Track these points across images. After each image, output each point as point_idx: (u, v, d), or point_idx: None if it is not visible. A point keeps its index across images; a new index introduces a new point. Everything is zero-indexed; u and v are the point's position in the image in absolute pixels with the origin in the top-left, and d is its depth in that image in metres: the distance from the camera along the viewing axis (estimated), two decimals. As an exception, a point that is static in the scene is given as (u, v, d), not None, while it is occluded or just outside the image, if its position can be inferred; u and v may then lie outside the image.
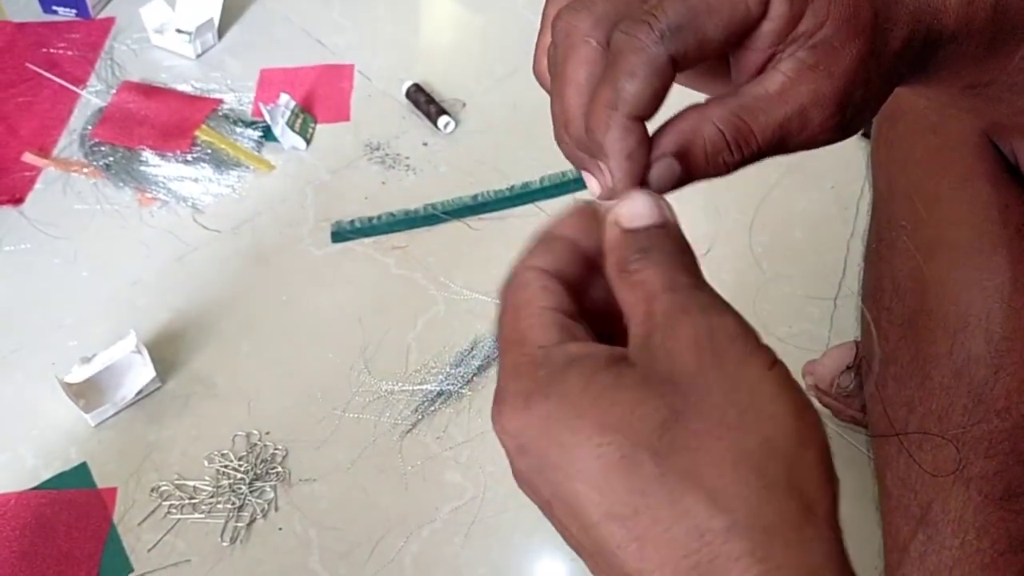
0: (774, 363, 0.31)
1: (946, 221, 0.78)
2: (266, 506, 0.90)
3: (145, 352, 0.95)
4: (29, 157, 1.19)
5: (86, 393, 0.95)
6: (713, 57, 0.37)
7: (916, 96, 0.49)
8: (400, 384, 0.99)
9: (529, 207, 1.16)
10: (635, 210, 0.36)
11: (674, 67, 0.35)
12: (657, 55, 0.34)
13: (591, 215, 0.38)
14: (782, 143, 0.37)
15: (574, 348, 0.33)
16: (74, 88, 1.27)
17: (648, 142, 0.36)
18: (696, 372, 0.31)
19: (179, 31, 1.32)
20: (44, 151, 1.20)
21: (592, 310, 0.38)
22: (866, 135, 1.20)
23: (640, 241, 0.35)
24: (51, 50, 1.34)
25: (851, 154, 1.19)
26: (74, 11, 1.38)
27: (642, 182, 0.36)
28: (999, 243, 0.74)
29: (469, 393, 0.99)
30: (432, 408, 0.98)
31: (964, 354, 0.74)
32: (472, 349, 1.02)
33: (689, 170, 0.36)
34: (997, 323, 0.73)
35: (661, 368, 0.31)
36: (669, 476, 0.29)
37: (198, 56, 1.33)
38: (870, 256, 0.86)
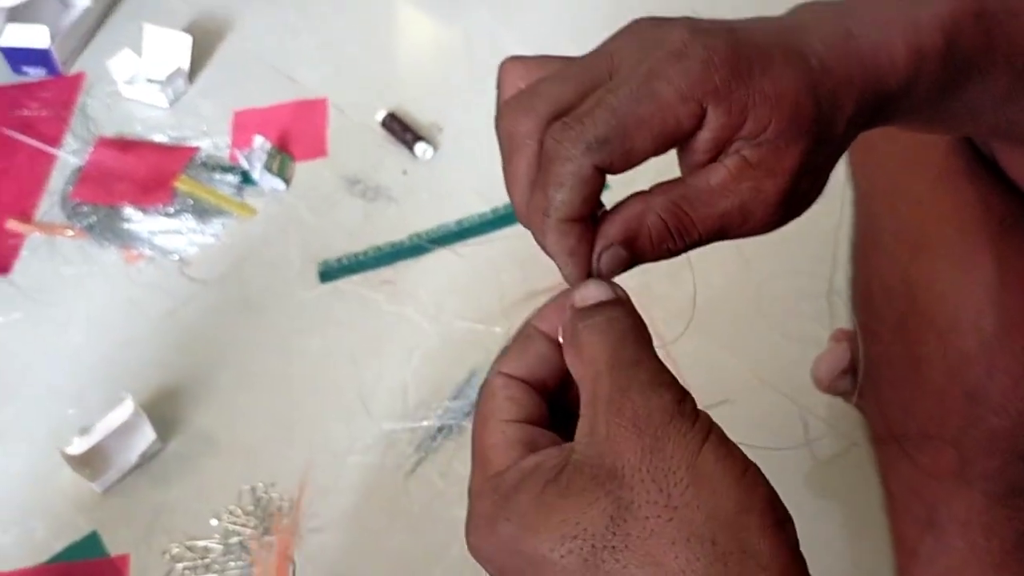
0: (709, 431, 0.33)
1: (928, 220, 0.77)
2: (277, 560, 0.90)
3: (143, 415, 0.96)
4: (12, 224, 1.19)
5: (90, 462, 0.95)
6: (643, 161, 0.37)
7: None
8: (400, 423, 0.99)
9: (514, 228, 1.16)
10: (587, 293, 0.38)
11: (602, 174, 0.36)
12: (582, 166, 0.35)
13: (562, 307, 0.39)
14: (723, 233, 0.38)
15: (528, 463, 0.35)
16: (50, 149, 1.27)
17: (589, 235, 0.37)
18: (638, 460, 0.32)
19: (150, 80, 1.31)
20: (26, 216, 1.20)
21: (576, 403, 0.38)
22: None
23: (588, 312, 0.37)
24: (25, 112, 1.33)
25: (831, 144, 1.18)
26: (44, 70, 1.38)
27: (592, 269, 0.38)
28: (983, 239, 0.74)
29: (469, 426, 0.98)
30: (434, 444, 0.98)
31: (956, 354, 0.73)
32: (470, 380, 1.02)
33: (636, 256, 0.38)
34: (987, 321, 0.72)
35: (607, 462, 0.32)
36: (630, 567, 0.31)
37: (171, 104, 1.32)
38: (856, 258, 0.86)
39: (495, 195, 1.19)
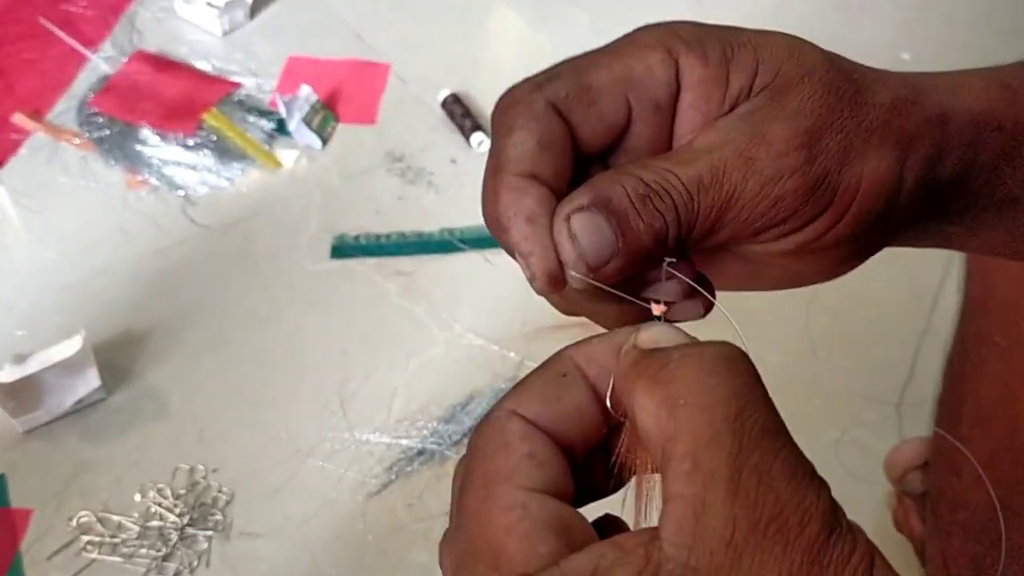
0: (873, 556, 0.22)
1: (1054, 345, 0.63)
2: (196, 560, 0.77)
3: (92, 356, 0.83)
4: (19, 118, 1.08)
5: (18, 395, 0.82)
6: (620, 122, 0.31)
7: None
8: (377, 434, 0.86)
9: (558, 248, 1.02)
10: (657, 334, 0.27)
11: (559, 115, 0.30)
12: (532, 100, 0.30)
13: (617, 348, 0.27)
14: (726, 204, 0.29)
15: (575, 567, 0.23)
16: (84, 50, 1.16)
17: (554, 205, 0.29)
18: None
19: (209, 4, 1.20)
20: (38, 114, 1.09)
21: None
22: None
23: (687, 346, 0.26)
24: (70, 7, 1.23)
25: (936, 238, 1.03)
26: (103, -32, 1.28)
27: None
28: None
29: (455, 456, 0.85)
30: (409, 468, 0.84)
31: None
32: (467, 404, 0.89)
33: (621, 229, 0.28)
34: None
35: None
36: None
37: (225, 34, 1.21)
38: (951, 373, 0.71)
39: (546, 207, 1.05)
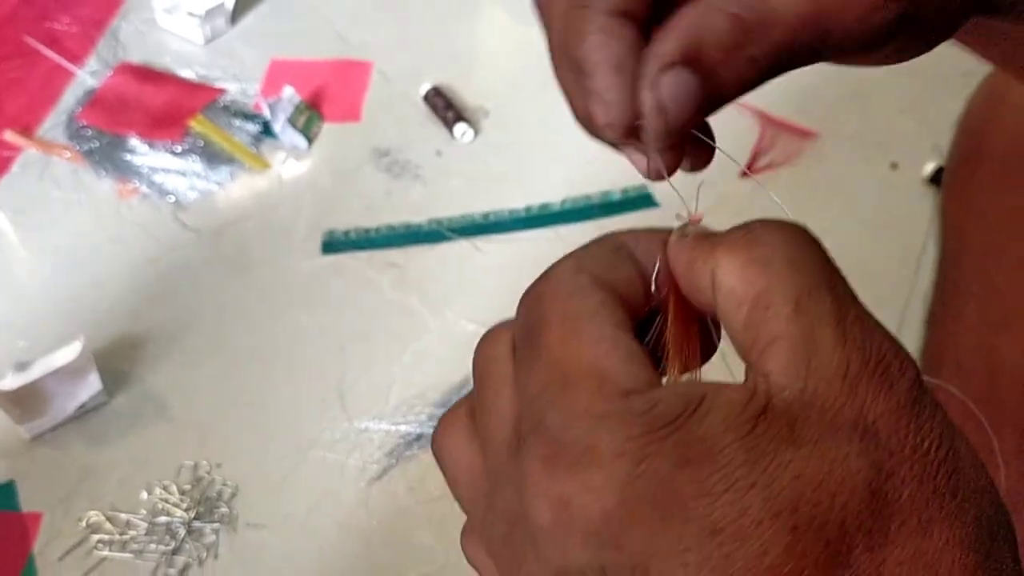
0: (946, 414, 0.23)
1: (1028, 290, 0.64)
2: (204, 553, 0.78)
3: (92, 361, 0.85)
4: (9, 136, 1.09)
5: (23, 402, 0.84)
6: None
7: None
8: (376, 421, 0.87)
9: (546, 231, 1.04)
10: (703, 228, 0.27)
11: None
12: None
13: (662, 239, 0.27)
14: (818, 27, 0.26)
15: (684, 388, 0.22)
16: (70, 66, 1.18)
17: (640, 51, 0.27)
18: (895, 418, 0.21)
19: (190, 13, 1.22)
20: (28, 130, 1.11)
21: None
22: (937, 182, 1.06)
23: (763, 220, 0.25)
24: (54, 25, 1.25)
25: (918, 199, 1.05)
26: (84, -15, 1.29)
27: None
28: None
29: (453, 439, 0.86)
30: (408, 453, 0.85)
31: (1042, 458, 0.60)
32: (463, 388, 0.90)
33: (710, 80, 0.26)
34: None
35: (847, 411, 0.21)
36: (888, 566, 0.20)
37: (207, 42, 1.23)
38: (932, 324, 0.73)
39: (532, 192, 1.07)
